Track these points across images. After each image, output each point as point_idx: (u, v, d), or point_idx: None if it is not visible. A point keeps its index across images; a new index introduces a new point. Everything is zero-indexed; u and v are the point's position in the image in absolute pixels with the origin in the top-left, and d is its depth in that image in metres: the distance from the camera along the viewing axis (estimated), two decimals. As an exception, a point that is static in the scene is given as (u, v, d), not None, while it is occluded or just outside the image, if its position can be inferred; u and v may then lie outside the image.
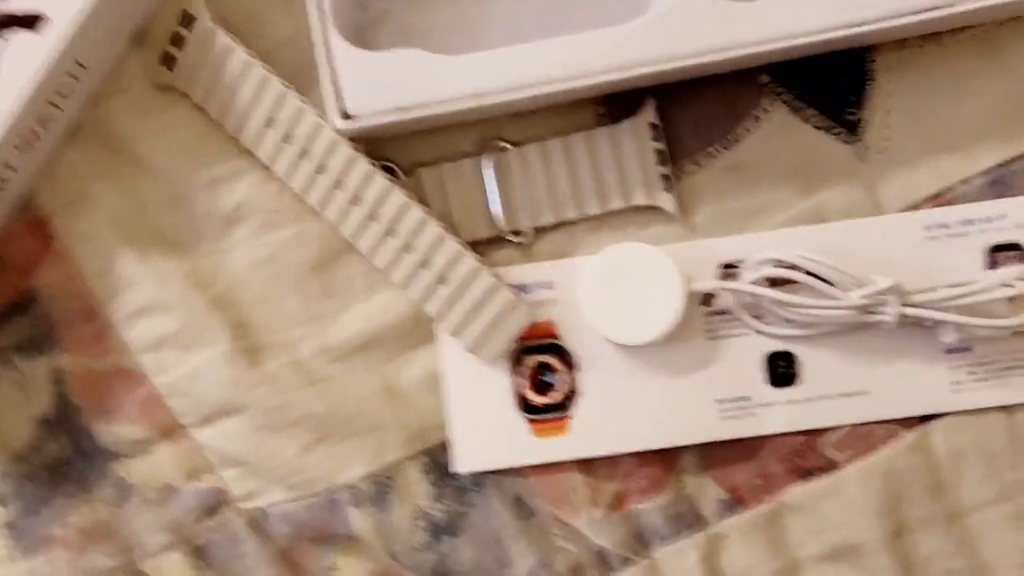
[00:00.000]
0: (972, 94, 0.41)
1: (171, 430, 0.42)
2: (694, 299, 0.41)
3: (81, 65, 0.39)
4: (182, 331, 0.41)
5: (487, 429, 0.41)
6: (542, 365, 0.41)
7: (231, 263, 0.41)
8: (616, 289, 0.40)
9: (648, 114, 0.41)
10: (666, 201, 0.41)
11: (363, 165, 0.39)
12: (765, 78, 0.41)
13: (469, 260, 0.40)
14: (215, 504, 0.42)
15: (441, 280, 0.40)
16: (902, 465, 0.40)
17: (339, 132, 0.39)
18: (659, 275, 0.39)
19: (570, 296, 0.41)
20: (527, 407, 0.41)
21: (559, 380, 0.41)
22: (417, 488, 0.41)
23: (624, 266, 0.40)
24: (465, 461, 0.41)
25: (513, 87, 0.38)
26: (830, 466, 0.41)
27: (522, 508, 0.41)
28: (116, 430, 0.42)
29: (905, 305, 0.38)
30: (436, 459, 0.41)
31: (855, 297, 0.39)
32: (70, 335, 0.42)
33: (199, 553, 0.42)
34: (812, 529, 0.41)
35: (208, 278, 0.41)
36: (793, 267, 0.39)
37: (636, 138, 0.41)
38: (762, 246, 0.40)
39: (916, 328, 0.40)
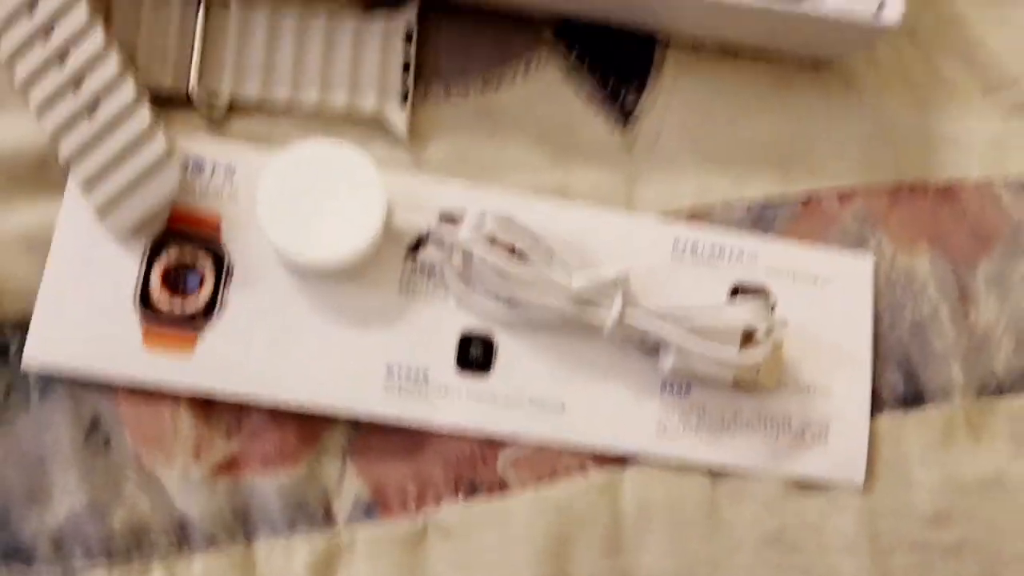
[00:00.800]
0: (753, 121, 0.37)
1: None
2: (398, 238, 0.33)
3: None
4: None
5: (86, 321, 0.31)
6: (186, 263, 0.32)
7: None
8: (304, 193, 0.31)
9: (409, 15, 0.34)
10: (397, 117, 0.34)
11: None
12: (548, 33, 0.36)
13: (129, 87, 0.31)
14: None
15: (89, 110, 0.31)
16: (582, 506, 0.33)
17: None
18: (360, 190, 0.32)
19: (250, 193, 0.33)
20: (149, 305, 0.31)
21: (203, 286, 0.32)
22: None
23: (321, 169, 0.32)
24: (40, 353, 0.31)
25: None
26: (500, 486, 0.33)
27: (96, 433, 0.31)
28: None
29: (628, 308, 0.32)
30: (3, 338, 0.31)
31: (580, 281, 0.32)
32: None
33: None
34: (458, 561, 0.32)
35: None
36: (525, 236, 0.33)
37: (386, 36, 0.34)
38: (495, 204, 0.34)
39: (635, 351, 0.34)
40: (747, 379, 0.34)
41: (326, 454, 0.32)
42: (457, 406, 0.33)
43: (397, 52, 0.34)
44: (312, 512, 0.32)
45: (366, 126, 0.34)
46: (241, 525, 0.31)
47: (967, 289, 0.36)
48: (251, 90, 0.33)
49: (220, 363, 0.32)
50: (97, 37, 0.31)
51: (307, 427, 0.32)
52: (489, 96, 0.35)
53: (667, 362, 0.33)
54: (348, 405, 0.32)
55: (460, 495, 0.33)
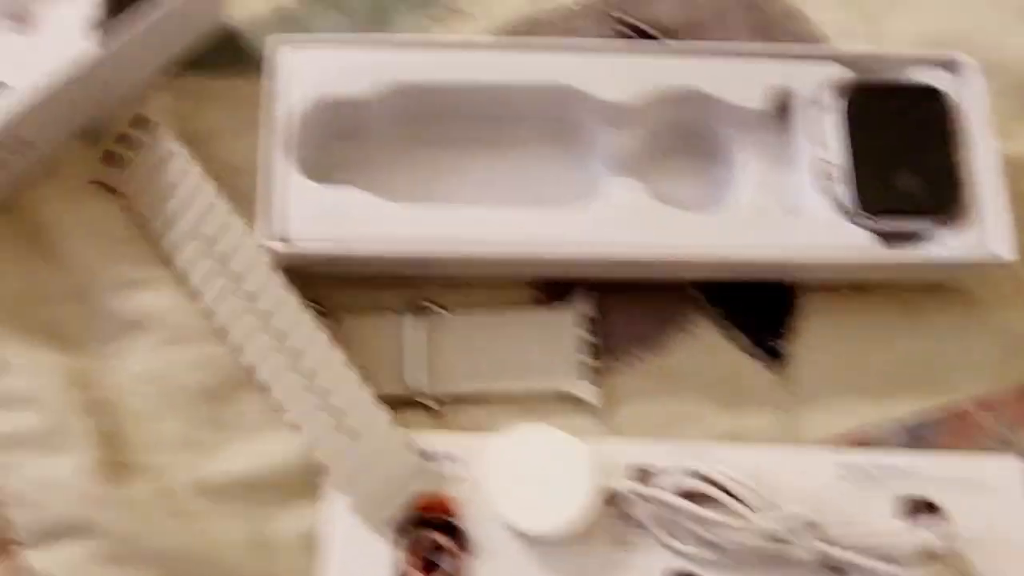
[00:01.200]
0: (890, 347, 0.42)
1: (1, 546, 0.36)
2: (604, 499, 0.38)
3: (24, 141, 0.38)
4: (45, 431, 0.37)
5: None
6: (434, 544, 0.38)
7: (121, 370, 0.38)
8: (524, 472, 0.37)
9: (585, 305, 0.41)
10: (590, 393, 0.40)
11: (279, 287, 0.38)
12: (697, 294, 0.42)
13: (374, 410, 0.37)
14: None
15: (340, 426, 0.37)
16: None
17: (273, 254, 0.38)
18: (571, 465, 0.37)
19: (477, 475, 0.38)
20: None
21: (449, 564, 0.37)
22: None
23: (536, 450, 0.38)
24: (325, 637, 0.36)
25: (451, 244, 0.38)
26: None
27: None
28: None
29: (820, 540, 0.37)
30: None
31: (772, 524, 0.37)
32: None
33: None
34: None
35: (91, 380, 0.38)
36: (711, 483, 0.38)
37: (570, 325, 0.41)
38: (678, 456, 0.39)
39: (822, 569, 0.38)
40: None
41: None
42: (676, 642, 0.37)
43: (580, 336, 0.40)
44: None
45: (564, 403, 0.40)
46: None
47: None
48: (463, 386, 0.40)
49: None
50: (338, 360, 0.37)
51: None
52: (659, 359, 0.41)
53: None
54: None
55: None
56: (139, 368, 0.39)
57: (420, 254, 0.38)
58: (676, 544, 0.38)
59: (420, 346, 0.40)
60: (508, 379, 0.40)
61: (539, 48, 0.41)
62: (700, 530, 0.37)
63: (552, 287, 0.41)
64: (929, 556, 0.37)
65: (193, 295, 0.39)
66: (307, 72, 0.39)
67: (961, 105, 0.41)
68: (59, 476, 0.36)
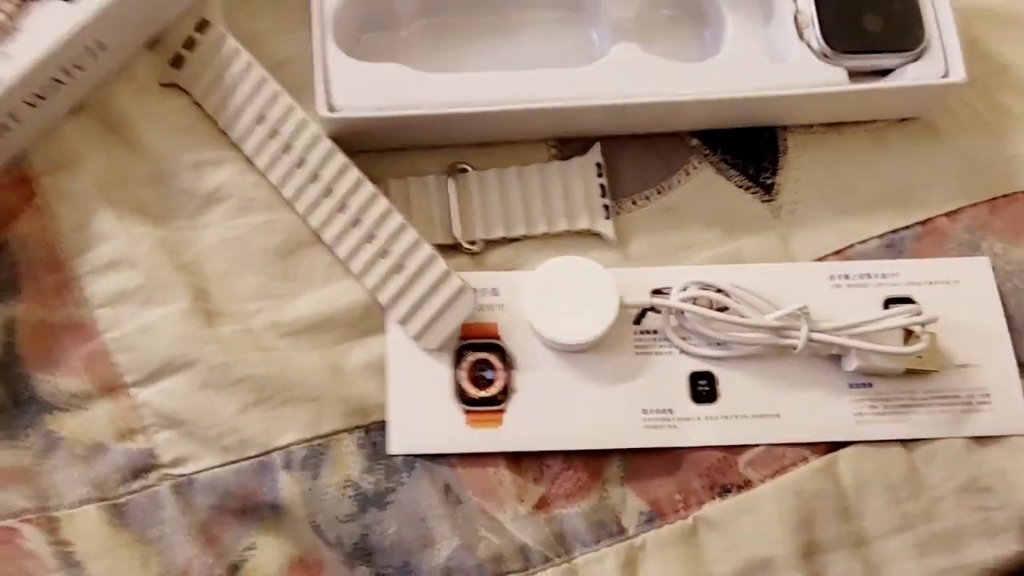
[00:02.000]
0: (866, 175, 0.48)
1: (112, 387, 0.42)
2: (627, 315, 0.44)
3: (101, 45, 0.44)
4: (144, 287, 0.43)
5: (424, 415, 0.43)
6: (482, 362, 0.44)
7: (201, 239, 0.44)
8: (557, 295, 0.43)
9: (595, 154, 0.47)
10: (606, 228, 0.46)
11: (339, 158, 0.44)
12: (695, 141, 0.48)
13: (425, 248, 0.43)
14: (143, 467, 0.41)
15: (397, 269, 0.43)
16: (812, 487, 0.43)
17: (323, 122, 0.44)
18: (596, 285, 0.43)
19: (512, 303, 0.44)
20: (464, 398, 0.43)
21: (496, 376, 0.43)
22: (350, 459, 0.42)
23: (566, 275, 0.44)
24: (399, 443, 0.42)
25: (477, 105, 0.44)
26: (745, 484, 0.43)
27: (449, 494, 0.42)
28: (56, 382, 0.42)
29: (813, 331, 0.43)
30: (371, 437, 0.42)
31: (770, 318, 0.43)
32: (31, 285, 0.43)
33: (117, 511, 0.41)
34: (727, 545, 0.42)
35: (177, 247, 0.44)
36: (717, 291, 0.44)
37: (583, 173, 0.46)
38: (687, 276, 0.45)
39: (823, 360, 0.44)
40: (915, 367, 0.43)
41: (609, 483, 0.43)
42: (699, 430, 0.43)
43: (593, 180, 0.46)
44: (609, 528, 0.42)
45: (583, 238, 0.46)
46: (562, 545, 0.42)
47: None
48: (497, 231, 0.46)
49: (522, 427, 0.43)
50: (393, 215, 0.43)
51: (592, 467, 0.43)
52: (664, 198, 0.47)
53: (850, 364, 0.43)
54: (619, 443, 0.43)
55: (715, 495, 0.43)
56: (217, 237, 0.44)
57: (451, 114, 0.44)
58: (691, 347, 0.44)
59: (457, 200, 0.46)
60: (534, 222, 0.46)
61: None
62: (711, 332, 0.43)
63: (566, 145, 0.47)
64: (910, 337, 0.43)
65: (261, 174, 0.45)
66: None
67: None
68: (160, 322, 0.42)
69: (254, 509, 0.41)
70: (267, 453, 0.42)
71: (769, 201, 0.47)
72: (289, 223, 0.45)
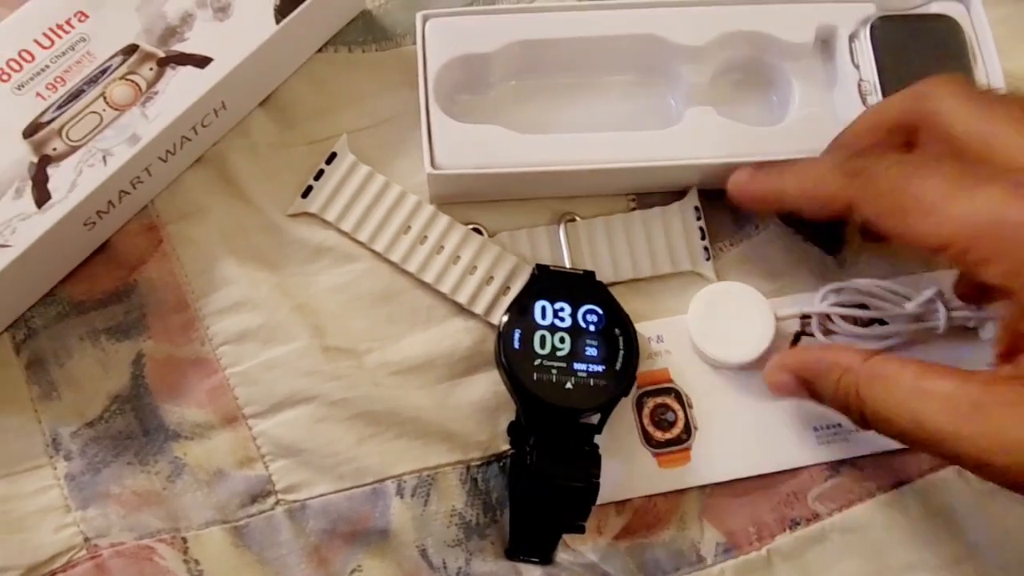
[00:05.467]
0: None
1: (233, 418, 0.46)
2: (783, 337, 0.48)
3: (224, 105, 0.48)
4: (265, 327, 0.47)
5: (618, 463, 0.46)
6: (661, 406, 0.47)
7: (313, 284, 0.48)
8: (718, 318, 0.48)
9: (693, 198, 0.50)
10: (707, 270, 0.50)
11: (441, 217, 0.48)
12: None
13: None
14: (260, 492, 0.45)
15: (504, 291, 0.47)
16: (880, 519, 0.46)
17: (428, 178, 0.47)
18: (752, 306, 0.48)
19: (679, 347, 0.48)
20: (651, 442, 0.47)
21: (677, 417, 0.47)
22: (454, 492, 0.45)
23: (723, 299, 0.48)
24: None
25: (566, 164, 0.48)
26: (814, 517, 0.46)
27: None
28: (182, 413, 0.46)
29: (951, 310, 0.46)
30: (471, 473, 0.46)
31: (912, 305, 0.46)
32: (159, 324, 0.47)
33: (238, 533, 0.44)
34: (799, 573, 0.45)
35: (293, 291, 0.48)
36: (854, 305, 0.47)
37: (684, 217, 0.50)
38: (805, 302, 0.48)
39: (962, 337, 0.46)
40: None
41: (686, 515, 0.46)
42: (865, 437, 0.46)
43: (693, 224, 0.50)
44: (688, 557, 0.46)
45: (682, 278, 0.50)
46: (643, 573, 0.45)
47: None
48: (607, 278, 0.49)
49: (709, 461, 0.47)
50: (496, 250, 0.47)
51: (670, 497, 0.46)
52: (745, 245, 0.50)
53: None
54: (800, 461, 0.47)
55: (787, 528, 0.46)
56: (327, 283, 0.48)
57: (544, 172, 0.48)
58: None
59: (567, 247, 0.49)
60: (640, 266, 0.49)
61: (627, 6, 0.51)
62: (859, 330, 0.47)
63: (643, 198, 0.51)
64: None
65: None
66: (444, 37, 0.49)
67: (969, 30, 0.51)
68: (281, 359, 0.46)
69: (363, 533, 0.45)
70: (381, 481, 0.45)
71: (834, 254, 0.50)
72: (388, 270, 0.48)
